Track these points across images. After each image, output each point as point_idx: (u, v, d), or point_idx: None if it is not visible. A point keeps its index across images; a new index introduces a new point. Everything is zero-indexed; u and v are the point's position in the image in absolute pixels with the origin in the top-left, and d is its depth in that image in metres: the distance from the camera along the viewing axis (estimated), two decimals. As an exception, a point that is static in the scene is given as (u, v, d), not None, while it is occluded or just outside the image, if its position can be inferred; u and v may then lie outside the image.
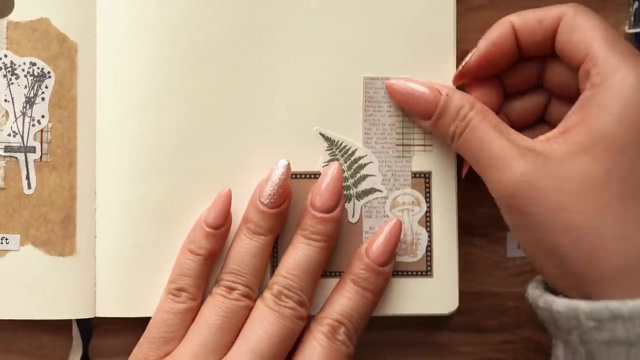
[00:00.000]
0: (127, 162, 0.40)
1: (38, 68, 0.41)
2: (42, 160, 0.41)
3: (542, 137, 0.35)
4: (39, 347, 0.43)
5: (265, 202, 0.38)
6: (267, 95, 0.41)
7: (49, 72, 0.41)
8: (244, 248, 0.39)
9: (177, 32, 0.41)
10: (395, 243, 0.39)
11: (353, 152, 0.41)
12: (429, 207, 0.41)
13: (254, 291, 0.39)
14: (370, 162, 0.41)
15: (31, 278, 0.41)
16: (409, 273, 0.41)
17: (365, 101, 0.41)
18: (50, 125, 0.41)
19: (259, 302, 0.38)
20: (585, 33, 0.35)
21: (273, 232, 0.39)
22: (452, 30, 0.42)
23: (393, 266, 0.40)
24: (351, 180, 0.41)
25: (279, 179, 0.38)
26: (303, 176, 0.41)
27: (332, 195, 0.39)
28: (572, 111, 0.35)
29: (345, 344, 0.38)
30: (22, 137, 0.41)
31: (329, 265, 0.41)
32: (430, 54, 0.41)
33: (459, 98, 0.38)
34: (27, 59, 0.41)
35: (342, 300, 0.39)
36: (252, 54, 0.41)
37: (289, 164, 0.39)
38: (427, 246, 0.41)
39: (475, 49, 0.39)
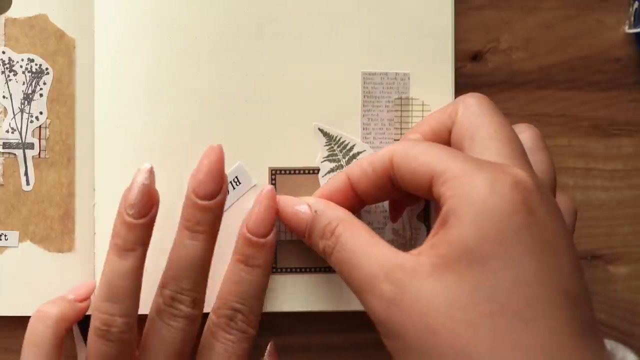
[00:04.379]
0: (125, 159, 0.40)
1: (36, 64, 0.41)
2: (41, 156, 0.41)
3: (414, 251, 0.32)
4: (39, 347, 0.43)
5: (130, 213, 0.35)
6: (266, 91, 0.41)
7: (47, 69, 0.41)
8: (116, 271, 0.35)
9: (175, 27, 0.41)
10: (271, 211, 0.38)
11: (352, 148, 0.41)
12: (428, 201, 0.41)
13: (130, 318, 0.36)
14: (368, 158, 0.41)
15: (30, 274, 0.41)
16: (408, 268, 0.41)
17: (364, 96, 0.41)
18: (48, 121, 0.41)
19: (152, 313, 0.37)
20: (421, 158, 0.33)
21: (143, 245, 0.36)
22: (450, 26, 0.42)
23: (276, 235, 0.38)
24: (350, 176, 0.41)
25: (142, 184, 0.35)
26: (302, 172, 0.41)
27: (213, 178, 0.36)
28: (436, 224, 0.32)
29: (244, 330, 0.38)
30: (20, 133, 0.41)
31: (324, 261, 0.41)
32: (428, 48, 0.41)
33: (329, 215, 0.36)
34: (25, 56, 0.41)
35: (232, 285, 0.38)
36: (251, 50, 0.41)
37: (151, 168, 0.36)
38: (426, 241, 0.41)
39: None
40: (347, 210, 0.36)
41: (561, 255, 0.30)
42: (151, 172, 0.35)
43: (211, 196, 0.36)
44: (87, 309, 0.39)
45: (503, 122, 0.34)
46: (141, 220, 0.35)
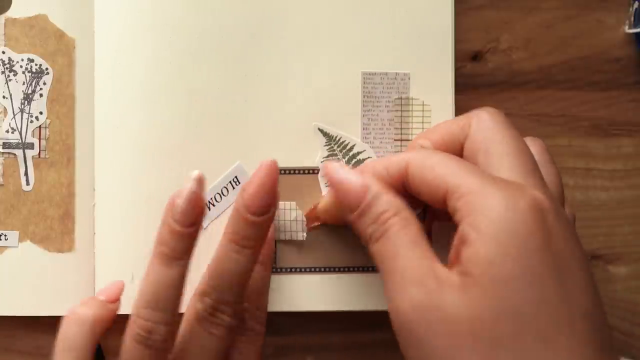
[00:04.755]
0: (125, 159, 0.40)
1: (36, 64, 0.41)
2: (41, 156, 0.41)
3: (446, 264, 0.32)
4: (39, 347, 0.43)
5: (179, 221, 0.34)
6: (266, 91, 0.41)
7: (47, 69, 0.41)
8: (162, 280, 0.34)
9: (175, 27, 0.41)
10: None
11: (351, 148, 0.41)
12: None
13: (171, 326, 0.35)
14: (368, 157, 0.41)
15: (30, 275, 0.41)
16: (408, 268, 0.41)
17: (364, 96, 0.41)
18: (48, 121, 0.41)
19: (190, 318, 0.37)
20: (437, 170, 0.33)
21: (189, 254, 0.35)
22: (450, 26, 0.42)
23: (274, 215, 0.36)
24: (350, 176, 0.41)
25: (192, 192, 0.34)
26: (301, 172, 0.41)
27: (267, 194, 0.35)
28: (455, 240, 0.32)
29: (253, 328, 0.38)
30: (20, 133, 0.41)
31: (329, 261, 0.41)
32: (428, 48, 0.41)
33: (386, 201, 0.34)
34: (25, 56, 0.41)
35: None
36: (251, 50, 0.41)
37: (201, 175, 0.34)
38: (426, 241, 0.41)
39: (326, 194, 0.38)
40: (404, 202, 0.35)
41: (578, 273, 0.31)
42: (200, 180, 0.34)
43: (263, 212, 0.35)
44: (117, 310, 0.38)
45: (516, 137, 0.34)
46: (190, 229, 0.34)
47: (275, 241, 0.41)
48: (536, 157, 0.36)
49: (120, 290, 0.39)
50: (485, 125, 0.35)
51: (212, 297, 0.36)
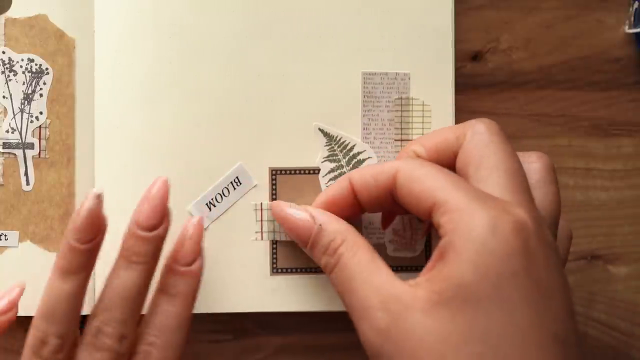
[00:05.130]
0: (125, 158, 0.40)
1: (36, 64, 0.41)
2: (41, 156, 0.41)
3: (411, 282, 0.32)
4: (39, 347, 0.43)
5: (75, 237, 0.34)
6: (266, 91, 0.41)
7: (47, 69, 0.41)
8: (55, 293, 0.34)
9: (175, 26, 0.41)
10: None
11: (352, 148, 0.41)
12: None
13: (65, 339, 0.35)
14: (369, 158, 0.41)
15: (30, 275, 0.41)
16: (408, 268, 0.41)
17: (364, 96, 0.41)
18: (48, 121, 0.41)
19: (79, 346, 0.35)
20: (425, 183, 0.33)
21: (86, 270, 0.35)
22: (450, 26, 0.42)
23: (202, 264, 0.37)
24: (350, 176, 0.41)
25: (89, 210, 0.34)
26: (302, 172, 0.41)
27: (156, 209, 0.35)
28: (434, 255, 0.32)
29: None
30: (20, 133, 0.41)
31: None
32: (428, 48, 0.41)
33: (332, 230, 0.35)
34: (25, 56, 0.41)
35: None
36: (251, 49, 0.41)
37: (100, 193, 0.34)
38: (427, 241, 0.41)
39: (313, 202, 0.39)
40: (350, 226, 0.36)
41: (554, 299, 0.31)
42: (99, 198, 0.34)
43: (153, 227, 0.35)
44: (11, 320, 0.38)
45: (509, 152, 0.34)
46: (85, 246, 0.34)
47: (276, 242, 0.41)
48: (537, 175, 0.36)
49: (15, 298, 0.38)
50: (479, 138, 0.35)
51: (98, 318, 0.35)
